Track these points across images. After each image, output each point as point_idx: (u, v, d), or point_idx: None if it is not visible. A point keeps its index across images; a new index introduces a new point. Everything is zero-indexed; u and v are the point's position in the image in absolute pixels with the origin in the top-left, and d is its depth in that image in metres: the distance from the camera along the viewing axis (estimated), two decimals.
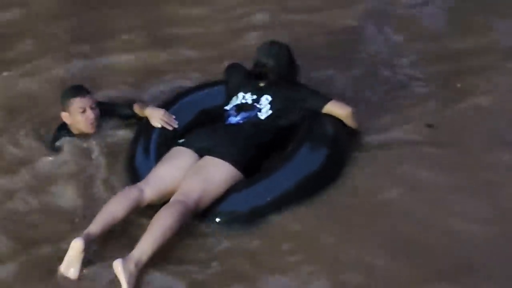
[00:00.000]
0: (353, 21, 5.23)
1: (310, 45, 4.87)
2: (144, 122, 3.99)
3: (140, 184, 3.52)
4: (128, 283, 3.10)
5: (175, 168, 3.60)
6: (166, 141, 3.86)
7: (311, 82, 4.23)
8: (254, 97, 3.90)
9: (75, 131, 4.06)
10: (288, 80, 3.95)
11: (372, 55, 4.87)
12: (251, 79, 3.97)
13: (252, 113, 3.85)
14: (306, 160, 3.72)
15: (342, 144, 3.85)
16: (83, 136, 4.02)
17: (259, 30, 5.10)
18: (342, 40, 5.02)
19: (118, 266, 3.11)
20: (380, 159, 3.84)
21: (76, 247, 3.19)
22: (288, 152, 3.73)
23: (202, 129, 3.86)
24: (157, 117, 3.95)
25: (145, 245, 3.21)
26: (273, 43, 4.03)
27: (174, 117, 3.97)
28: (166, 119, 3.94)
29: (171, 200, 3.45)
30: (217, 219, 3.51)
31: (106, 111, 4.12)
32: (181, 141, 3.76)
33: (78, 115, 3.99)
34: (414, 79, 4.58)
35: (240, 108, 3.90)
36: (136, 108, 4.06)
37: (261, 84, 3.93)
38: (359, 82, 4.55)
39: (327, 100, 3.86)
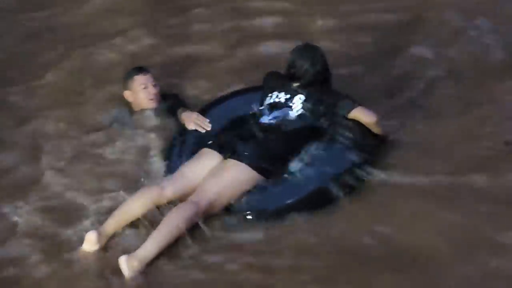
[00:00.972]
0: None
1: None
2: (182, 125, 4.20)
3: (163, 183, 3.68)
4: (131, 278, 3.28)
5: (198, 168, 3.75)
6: (200, 144, 3.97)
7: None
8: (288, 96, 3.99)
9: (136, 109, 4.41)
10: (322, 83, 4.03)
11: None
12: (286, 80, 4.07)
13: (284, 112, 3.95)
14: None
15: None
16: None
17: None
18: None
19: (122, 262, 3.30)
20: None
21: (89, 239, 3.42)
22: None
23: (231, 131, 3.97)
24: (191, 120, 4.11)
25: (151, 243, 3.38)
26: (308, 45, 4.12)
27: (207, 120, 4.12)
28: (199, 122, 4.08)
29: (187, 200, 3.58)
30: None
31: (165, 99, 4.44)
32: (209, 142, 3.89)
33: (140, 92, 4.37)
34: None
35: (273, 106, 4.00)
36: (179, 114, 4.24)
37: (295, 85, 4.02)
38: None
39: (355, 105, 3.93)
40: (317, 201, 3.69)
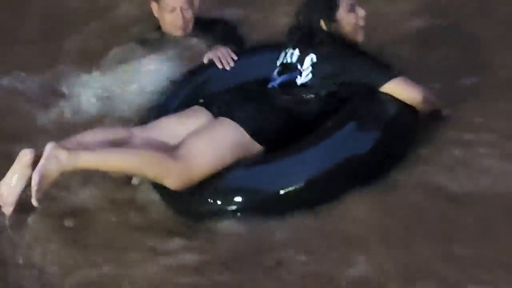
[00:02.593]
0: None
1: None
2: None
3: (133, 129, 3.01)
4: (41, 172, 2.68)
5: (180, 123, 3.05)
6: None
7: None
8: (299, 54, 3.14)
9: (163, 29, 3.69)
10: (347, 43, 3.13)
11: None
12: (302, 33, 3.17)
13: (291, 76, 3.12)
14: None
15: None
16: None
17: None
18: None
19: (48, 147, 2.72)
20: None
21: (22, 159, 2.79)
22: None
23: (232, 93, 3.22)
24: (213, 52, 3.37)
25: (99, 153, 2.81)
26: None
27: (235, 57, 3.33)
28: (221, 55, 3.32)
29: None
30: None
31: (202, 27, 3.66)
32: (201, 100, 3.18)
33: (166, 13, 3.59)
34: None
35: (284, 67, 3.19)
36: None
37: (311, 40, 3.12)
38: None
39: (390, 76, 3.03)
40: None
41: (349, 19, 3.11)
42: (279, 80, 3.15)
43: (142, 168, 2.81)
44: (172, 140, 2.96)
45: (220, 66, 3.32)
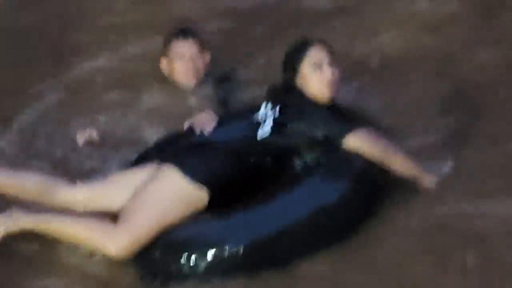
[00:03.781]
0: None
1: None
2: None
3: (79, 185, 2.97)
4: None
5: (127, 177, 2.98)
6: None
7: None
8: (269, 108, 3.09)
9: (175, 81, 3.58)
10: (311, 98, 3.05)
11: None
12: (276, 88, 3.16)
13: (254, 127, 3.06)
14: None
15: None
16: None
17: None
18: None
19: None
20: None
21: None
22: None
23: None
24: (193, 119, 3.22)
25: (45, 216, 2.81)
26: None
27: (214, 124, 3.15)
28: (200, 122, 3.16)
29: None
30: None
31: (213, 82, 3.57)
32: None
33: (177, 62, 3.52)
34: None
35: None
36: None
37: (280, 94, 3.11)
38: None
39: (349, 129, 2.92)
40: None
41: (312, 77, 3.02)
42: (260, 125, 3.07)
43: (84, 238, 2.78)
44: (117, 195, 2.89)
45: (198, 133, 3.14)
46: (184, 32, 3.57)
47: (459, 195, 2.96)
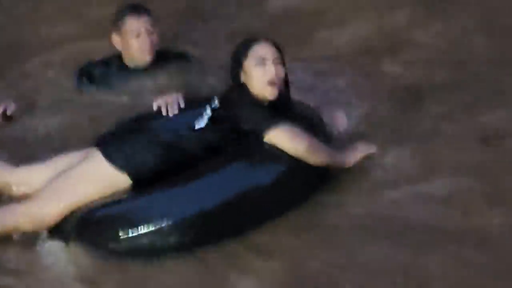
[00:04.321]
0: None
1: None
2: None
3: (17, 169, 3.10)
4: None
5: (65, 158, 3.08)
6: None
7: None
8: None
9: (128, 62, 3.57)
10: (250, 94, 3.10)
11: None
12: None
13: (192, 118, 3.13)
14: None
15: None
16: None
17: None
18: None
19: None
20: None
21: None
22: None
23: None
24: (161, 98, 3.25)
25: None
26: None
27: (182, 105, 3.22)
28: (168, 102, 3.22)
29: None
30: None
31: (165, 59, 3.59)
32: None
33: (132, 40, 3.50)
34: None
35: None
36: None
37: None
38: None
39: (271, 125, 2.97)
40: None
41: (255, 73, 3.07)
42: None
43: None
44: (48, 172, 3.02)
45: (164, 113, 3.21)
46: (137, 8, 3.54)
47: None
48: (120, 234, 2.84)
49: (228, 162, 3.01)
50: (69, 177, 2.95)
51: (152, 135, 3.06)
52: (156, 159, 2.98)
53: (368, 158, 3.13)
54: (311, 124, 3.15)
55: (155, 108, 3.25)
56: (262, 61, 3.06)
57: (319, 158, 3.01)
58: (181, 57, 3.74)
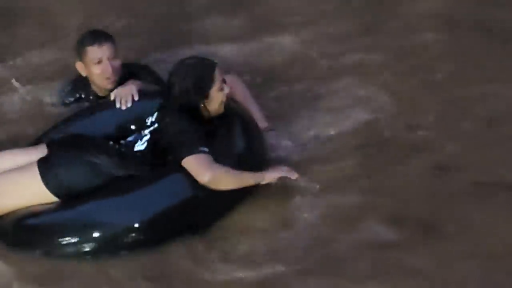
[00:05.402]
0: None
1: None
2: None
3: None
4: None
5: (11, 159, 3.31)
6: None
7: None
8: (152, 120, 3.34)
9: (94, 87, 3.65)
10: (191, 115, 3.27)
11: None
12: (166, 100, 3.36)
13: (134, 139, 3.36)
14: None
15: None
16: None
17: None
18: None
19: None
20: None
21: None
22: None
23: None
24: (120, 91, 3.43)
25: None
26: (189, 59, 3.36)
27: (136, 99, 3.40)
28: (123, 94, 3.41)
29: None
30: None
31: (131, 74, 3.63)
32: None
33: (94, 67, 3.54)
34: None
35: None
36: None
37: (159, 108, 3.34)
38: None
39: (185, 154, 3.12)
40: None
41: (218, 97, 3.26)
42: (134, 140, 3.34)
43: None
44: None
45: (118, 106, 3.39)
46: (97, 36, 3.58)
47: None
48: (56, 241, 3.13)
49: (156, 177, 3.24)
50: (4, 183, 3.19)
51: (92, 162, 3.19)
52: (89, 185, 3.18)
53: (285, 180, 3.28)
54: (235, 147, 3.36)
55: (111, 98, 3.45)
56: (222, 86, 3.29)
57: (224, 186, 3.14)
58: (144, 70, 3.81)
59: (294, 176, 3.24)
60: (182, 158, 3.12)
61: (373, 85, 3.93)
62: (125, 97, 3.41)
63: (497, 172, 3.35)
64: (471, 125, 3.63)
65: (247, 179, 3.19)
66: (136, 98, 3.42)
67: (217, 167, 3.12)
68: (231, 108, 3.41)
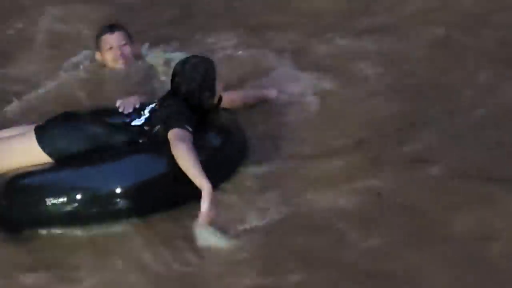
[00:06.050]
0: None
1: None
2: None
3: None
4: None
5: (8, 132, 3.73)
6: None
7: None
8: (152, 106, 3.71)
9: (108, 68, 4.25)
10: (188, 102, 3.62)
11: None
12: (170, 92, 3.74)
13: (132, 118, 3.70)
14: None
15: None
16: None
17: None
18: None
19: None
20: None
21: None
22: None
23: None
24: (125, 100, 3.82)
25: None
26: (194, 57, 3.75)
27: (137, 105, 3.76)
28: (127, 102, 3.78)
29: None
30: None
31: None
32: None
33: (107, 53, 4.20)
34: None
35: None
36: None
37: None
38: None
39: (170, 127, 3.44)
40: None
41: (220, 91, 3.70)
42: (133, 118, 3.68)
43: None
44: None
45: (120, 110, 3.78)
46: (110, 27, 4.24)
47: None
48: (46, 201, 3.37)
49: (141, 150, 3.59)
50: (3, 148, 3.56)
51: (85, 128, 3.57)
52: (81, 149, 3.51)
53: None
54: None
55: (117, 105, 3.82)
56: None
57: (180, 162, 3.35)
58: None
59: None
60: (172, 128, 3.43)
61: None
62: (128, 105, 3.80)
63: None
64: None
65: (196, 174, 3.32)
66: (137, 106, 3.78)
67: (189, 147, 3.37)
68: (225, 116, 3.81)
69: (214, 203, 3.27)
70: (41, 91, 4.30)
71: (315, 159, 3.70)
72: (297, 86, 4.17)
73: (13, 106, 4.20)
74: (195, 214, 3.28)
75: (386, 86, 4.23)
